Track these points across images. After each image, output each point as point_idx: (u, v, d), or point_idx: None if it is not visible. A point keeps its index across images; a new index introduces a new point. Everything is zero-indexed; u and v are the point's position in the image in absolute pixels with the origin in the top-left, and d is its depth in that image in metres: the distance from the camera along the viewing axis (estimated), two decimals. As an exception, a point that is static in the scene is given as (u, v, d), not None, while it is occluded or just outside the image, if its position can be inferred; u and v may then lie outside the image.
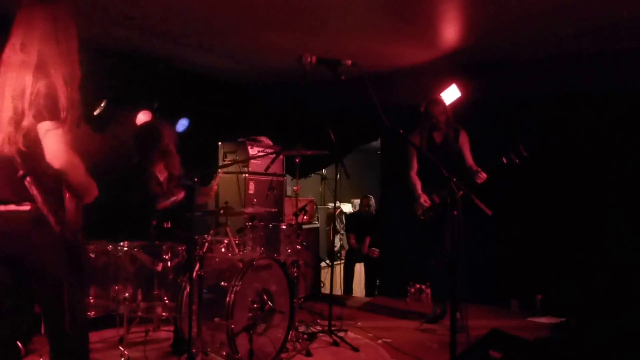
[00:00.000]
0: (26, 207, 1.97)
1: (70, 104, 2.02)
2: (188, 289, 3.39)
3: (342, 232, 8.89)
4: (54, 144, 1.94)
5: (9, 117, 1.97)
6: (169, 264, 3.60)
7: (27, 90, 1.96)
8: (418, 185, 4.70)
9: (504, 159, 4.29)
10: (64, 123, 1.97)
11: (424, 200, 4.61)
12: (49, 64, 2.01)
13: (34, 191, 1.95)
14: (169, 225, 4.01)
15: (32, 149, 1.96)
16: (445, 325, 4.44)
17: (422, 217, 4.68)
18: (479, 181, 4.37)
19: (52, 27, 2.10)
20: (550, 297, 5.24)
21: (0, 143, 1.99)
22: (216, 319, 3.38)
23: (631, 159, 5.03)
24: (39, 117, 1.94)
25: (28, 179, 1.95)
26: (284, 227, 4.38)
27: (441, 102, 4.69)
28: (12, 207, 1.97)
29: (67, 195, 2.05)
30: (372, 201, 7.18)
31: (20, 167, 1.96)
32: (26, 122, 1.96)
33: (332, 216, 7.27)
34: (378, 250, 6.67)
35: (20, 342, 3.59)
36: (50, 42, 2.06)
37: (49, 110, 1.95)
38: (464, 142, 4.63)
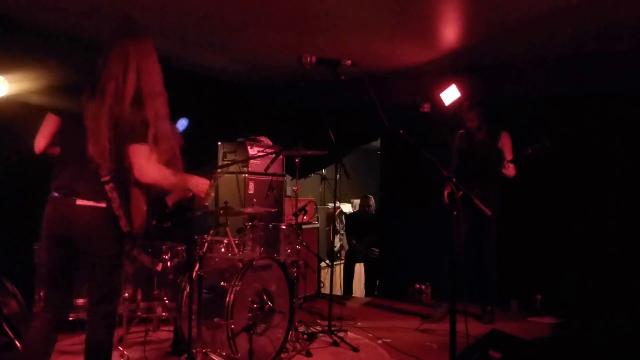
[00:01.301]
0: (102, 205, 2.37)
1: (157, 132, 2.37)
2: (188, 289, 3.39)
3: (342, 232, 8.89)
4: (142, 164, 2.34)
5: (107, 136, 2.32)
6: (169, 264, 3.61)
7: (123, 116, 2.32)
8: (446, 187, 4.74)
9: (529, 150, 4.39)
10: (151, 145, 2.35)
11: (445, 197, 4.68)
12: (143, 95, 2.37)
13: (113, 195, 2.36)
14: (169, 225, 4.01)
15: (121, 164, 2.35)
16: (445, 326, 4.44)
17: (447, 202, 4.70)
18: (506, 172, 4.44)
19: (145, 61, 2.43)
20: (550, 297, 5.25)
21: (96, 154, 2.34)
22: (216, 319, 3.37)
23: (631, 160, 5.03)
24: (130, 140, 2.33)
25: (111, 184, 2.35)
26: (284, 227, 4.37)
27: (474, 108, 4.81)
28: (91, 202, 2.37)
29: (144, 207, 2.46)
30: (372, 201, 7.18)
31: (106, 174, 2.35)
32: (119, 142, 2.33)
33: (332, 216, 7.26)
34: (378, 250, 6.66)
35: (19, 343, 3.61)
36: (144, 75, 2.40)
37: (141, 135, 2.33)
38: (505, 142, 4.74)
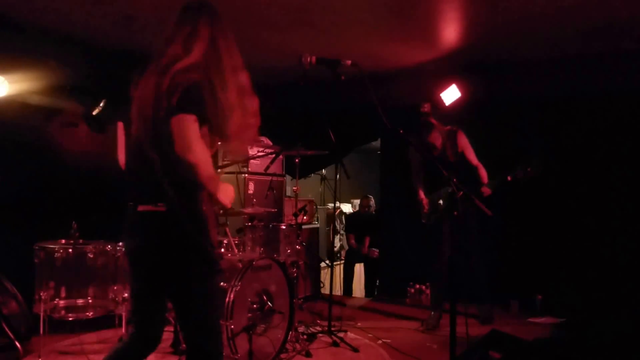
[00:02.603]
0: (161, 208, 2.01)
1: (215, 106, 2.04)
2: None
3: (341, 232, 8.89)
4: (187, 136, 1.93)
5: (149, 116, 2.04)
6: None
7: (171, 84, 2.00)
8: (420, 189, 4.71)
9: (508, 178, 4.25)
10: (202, 120, 1.98)
11: (425, 204, 4.62)
12: (204, 65, 2.07)
13: (171, 193, 2.00)
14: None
15: (167, 148, 1.96)
16: (445, 326, 4.43)
17: (424, 221, 4.68)
18: (483, 195, 4.35)
19: (216, 33, 2.19)
20: (550, 297, 5.24)
21: (145, 144, 2.04)
22: (216, 320, 3.37)
23: (631, 160, 5.03)
24: (177, 109, 1.95)
25: (166, 181, 2.00)
26: (284, 227, 4.37)
27: (433, 126, 4.54)
28: (149, 207, 2.03)
29: (205, 200, 2.07)
30: (372, 201, 7.17)
31: (158, 169, 2.01)
32: (165, 114, 1.98)
33: (332, 216, 7.26)
34: (378, 250, 6.66)
35: (19, 343, 3.61)
36: (211, 44, 2.15)
37: (192, 104, 1.96)
38: (463, 143, 4.57)
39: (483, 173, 4.53)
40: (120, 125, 2.21)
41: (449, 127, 4.63)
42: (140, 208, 2.05)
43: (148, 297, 2.17)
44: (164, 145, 1.97)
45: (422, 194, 4.69)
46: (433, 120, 4.62)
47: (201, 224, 2.04)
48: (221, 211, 2.54)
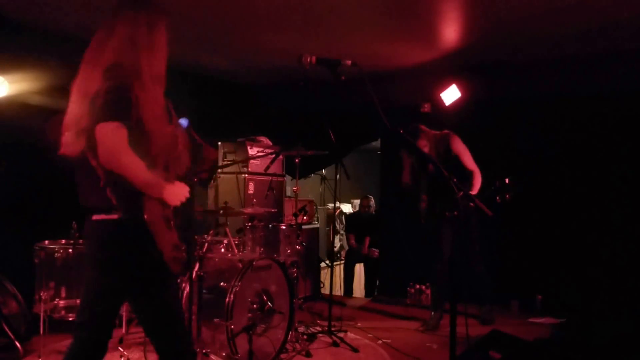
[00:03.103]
0: (113, 216, 1.98)
1: (144, 106, 1.96)
2: (187, 289, 3.39)
3: (341, 232, 8.89)
4: (110, 146, 1.87)
5: (78, 120, 2.00)
6: (168, 264, 3.59)
7: (94, 89, 1.95)
8: (422, 187, 4.68)
9: (486, 193, 4.10)
10: (124, 125, 1.89)
11: (424, 203, 4.62)
12: (126, 65, 1.99)
13: (115, 201, 1.96)
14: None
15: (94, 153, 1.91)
16: (445, 326, 4.43)
17: (423, 221, 4.67)
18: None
19: (135, 31, 2.06)
20: (550, 298, 5.24)
21: (84, 149, 1.99)
22: (216, 320, 3.37)
23: (631, 160, 5.03)
24: (100, 117, 1.89)
25: (108, 189, 1.96)
26: (284, 227, 4.37)
27: (420, 132, 4.51)
28: (102, 216, 2.00)
29: (152, 205, 2.01)
30: (372, 202, 7.17)
31: (101, 177, 1.96)
32: (88, 122, 1.94)
33: (332, 216, 7.26)
34: (378, 250, 6.66)
35: (19, 343, 3.61)
36: (131, 45, 2.04)
37: (115, 109, 1.89)
38: (458, 148, 4.46)
39: (477, 180, 4.40)
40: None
41: (442, 132, 4.56)
42: (94, 217, 2.02)
43: (103, 300, 2.12)
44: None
45: (422, 194, 4.68)
46: (422, 126, 4.56)
47: (145, 230, 1.97)
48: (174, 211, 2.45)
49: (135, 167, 1.90)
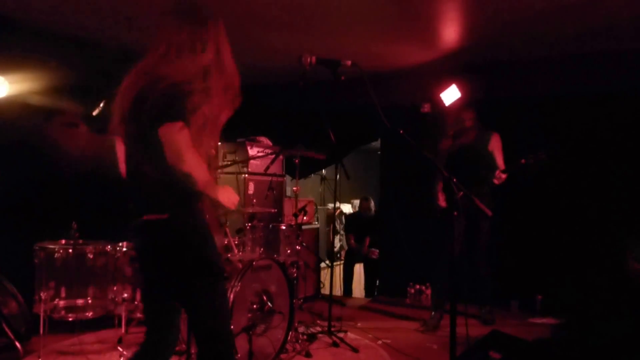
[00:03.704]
0: (164, 216, 2.00)
1: (198, 109, 1.99)
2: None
3: (341, 232, 8.88)
4: (177, 145, 1.89)
5: (135, 124, 2.03)
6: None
7: (150, 93, 1.97)
8: (439, 185, 4.70)
9: (522, 161, 4.30)
10: (186, 125, 1.93)
11: (442, 198, 4.62)
12: (183, 68, 2.02)
13: (170, 203, 1.99)
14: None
15: (159, 159, 1.92)
16: (445, 326, 4.43)
17: (438, 216, 4.67)
18: (495, 182, 4.39)
19: (193, 37, 2.13)
20: (550, 298, 5.24)
21: (137, 155, 2.03)
22: (216, 320, 3.37)
23: (631, 160, 5.02)
24: (164, 117, 1.92)
25: (164, 192, 1.99)
26: (284, 227, 4.37)
27: (470, 107, 4.77)
28: (153, 216, 2.03)
29: (206, 208, 2.06)
30: (372, 204, 7.16)
31: (156, 179, 1.98)
32: (147, 126, 1.96)
33: (332, 217, 7.26)
34: (378, 250, 6.66)
35: (19, 343, 3.61)
36: (190, 49, 2.09)
37: (178, 110, 1.93)
38: (496, 146, 4.65)
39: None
40: (118, 139, 2.19)
41: (487, 129, 4.76)
42: (146, 217, 2.04)
43: (155, 301, 2.17)
44: (156, 156, 1.93)
45: (439, 190, 4.68)
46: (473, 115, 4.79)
47: (203, 235, 2.03)
48: (223, 214, 2.53)
49: (201, 167, 1.94)
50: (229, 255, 3.84)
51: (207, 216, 2.05)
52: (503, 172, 4.44)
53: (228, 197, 2.07)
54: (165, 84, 1.95)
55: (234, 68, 2.27)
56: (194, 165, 1.91)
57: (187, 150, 1.90)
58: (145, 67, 2.07)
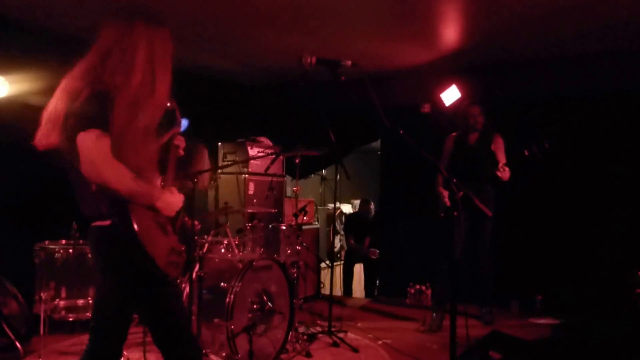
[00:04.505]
0: (106, 223, 1.92)
1: (125, 114, 1.87)
2: (188, 290, 3.39)
3: (341, 232, 8.88)
4: (91, 156, 1.79)
5: (57, 116, 1.93)
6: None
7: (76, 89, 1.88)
8: (441, 181, 4.68)
9: (525, 152, 4.27)
10: (105, 133, 1.81)
11: (446, 196, 4.54)
12: (109, 72, 1.92)
13: (104, 209, 1.90)
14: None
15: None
16: (445, 327, 4.43)
17: (442, 215, 4.64)
18: (500, 175, 4.36)
19: (154, 46, 2.08)
20: (550, 298, 5.24)
21: (73, 160, 1.91)
22: (216, 320, 3.37)
23: (631, 160, 5.03)
24: (75, 130, 1.82)
25: (98, 196, 1.89)
26: (284, 227, 4.37)
27: (479, 106, 4.78)
28: (98, 223, 1.95)
29: (143, 210, 1.94)
30: (372, 205, 7.16)
31: (90, 185, 1.88)
32: (70, 132, 1.85)
33: (332, 217, 7.26)
34: (377, 251, 6.66)
35: (19, 344, 3.60)
36: (119, 53, 1.98)
37: (92, 116, 1.82)
38: (498, 146, 4.66)
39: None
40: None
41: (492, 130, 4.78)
42: (93, 224, 1.98)
43: (108, 304, 2.08)
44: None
45: (442, 185, 4.67)
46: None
47: (133, 239, 1.89)
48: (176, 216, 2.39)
49: (119, 178, 1.83)
50: (227, 253, 3.84)
51: (145, 221, 1.93)
52: (506, 164, 4.42)
53: (167, 202, 1.98)
54: (87, 91, 1.86)
55: (167, 75, 2.16)
56: (112, 176, 1.81)
57: (103, 161, 1.79)
58: (79, 71, 1.99)
